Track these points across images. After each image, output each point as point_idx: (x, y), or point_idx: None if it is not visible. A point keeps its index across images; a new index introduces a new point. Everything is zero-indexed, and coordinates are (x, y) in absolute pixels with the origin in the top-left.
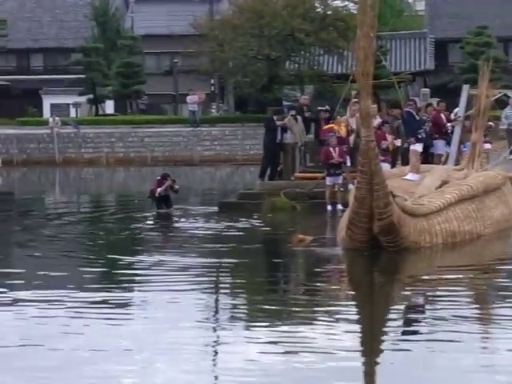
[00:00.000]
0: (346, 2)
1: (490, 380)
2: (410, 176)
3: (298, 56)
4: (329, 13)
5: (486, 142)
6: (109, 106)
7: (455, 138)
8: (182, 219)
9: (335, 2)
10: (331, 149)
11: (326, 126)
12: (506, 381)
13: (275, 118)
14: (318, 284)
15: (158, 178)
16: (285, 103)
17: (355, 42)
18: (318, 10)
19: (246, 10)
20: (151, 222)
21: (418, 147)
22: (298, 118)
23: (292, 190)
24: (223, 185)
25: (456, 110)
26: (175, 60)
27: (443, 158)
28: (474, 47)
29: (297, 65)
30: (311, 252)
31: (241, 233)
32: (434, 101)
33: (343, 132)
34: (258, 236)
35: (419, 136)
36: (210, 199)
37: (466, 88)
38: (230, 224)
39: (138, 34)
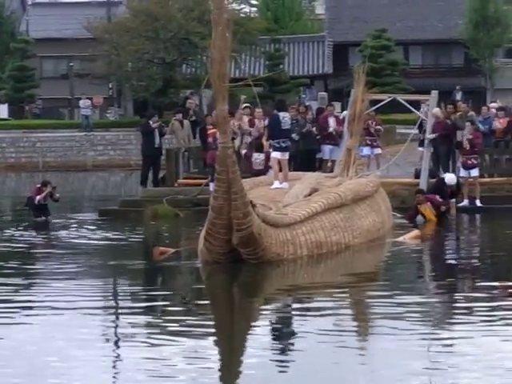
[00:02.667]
0: (243, 6)
1: None
2: (276, 184)
3: (194, 60)
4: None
5: (376, 146)
6: (3, 111)
7: (343, 144)
8: (60, 229)
9: (232, 5)
10: (217, 152)
11: (211, 131)
12: None
13: (151, 122)
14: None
15: (38, 185)
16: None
17: (211, 43)
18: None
19: (140, 12)
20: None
21: (277, 155)
22: (185, 122)
23: (175, 197)
24: (111, 191)
25: (344, 112)
26: (71, 63)
27: (329, 164)
28: (372, 50)
29: (193, 68)
30: (168, 266)
31: (105, 242)
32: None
33: None
34: (118, 248)
35: (278, 144)
36: (93, 206)
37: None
38: (103, 234)
39: (34, 38)
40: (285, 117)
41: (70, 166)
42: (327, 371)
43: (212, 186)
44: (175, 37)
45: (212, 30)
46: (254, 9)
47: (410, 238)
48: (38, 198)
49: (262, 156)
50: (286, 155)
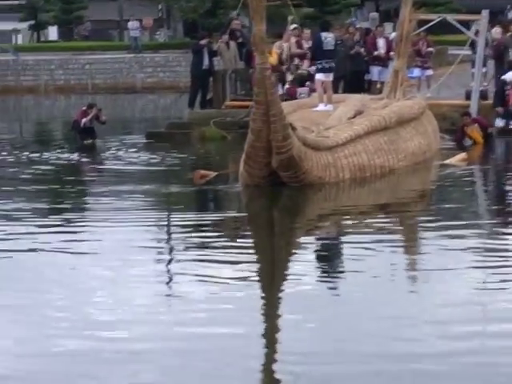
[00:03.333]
0: None
1: None
2: (320, 107)
3: None
4: None
5: (426, 67)
6: (52, 33)
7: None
8: (105, 151)
9: None
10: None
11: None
12: None
13: (202, 42)
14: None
15: (83, 108)
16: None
17: None
18: None
19: None
20: (71, 155)
21: (321, 76)
22: (231, 43)
23: (222, 119)
24: (160, 113)
25: (393, 34)
26: None
27: (378, 86)
28: None
29: None
30: (207, 189)
31: (147, 167)
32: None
33: (273, 59)
34: (159, 172)
35: (320, 66)
36: (141, 128)
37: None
38: (148, 157)
39: None
40: (327, 37)
41: (119, 88)
42: (376, 297)
43: None
44: None
45: None
46: None
47: (456, 160)
48: (83, 120)
49: (306, 90)
50: (330, 76)
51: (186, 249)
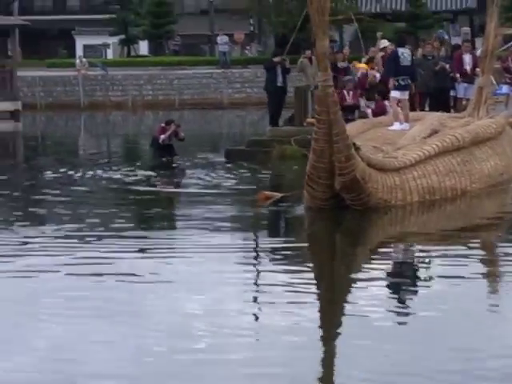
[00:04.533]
0: None
1: None
2: (395, 126)
3: None
4: None
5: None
6: (143, 47)
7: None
8: (183, 169)
9: None
10: (345, 92)
11: (360, 65)
12: None
13: (275, 59)
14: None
15: (162, 124)
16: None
17: None
18: None
19: None
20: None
21: (396, 94)
22: (314, 59)
23: (303, 137)
24: (244, 130)
25: (479, 50)
26: None
27: (464, 103)
28: None
29: (333, 4)
30: (270, 211)
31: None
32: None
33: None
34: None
35: (397, 83)
36: (222, 145)
37: None
38: (226, 175)
39: None
40: (404, 52)
41: (206, 104)
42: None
43: None
44: None
45: None
46: None
47: None
48: (162, 137)
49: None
50: (406, 94)
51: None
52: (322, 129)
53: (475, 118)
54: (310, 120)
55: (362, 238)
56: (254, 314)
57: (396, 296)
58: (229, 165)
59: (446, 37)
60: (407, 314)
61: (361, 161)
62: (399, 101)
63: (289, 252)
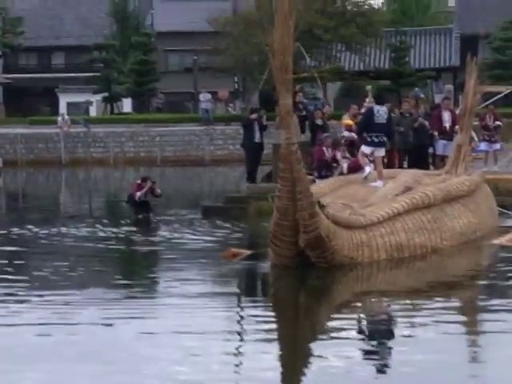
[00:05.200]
0: None
1: None
2: (376, 183)
3: (317, 52)
4: (348, 8)
5: (494, 141)
6: (126, 105)
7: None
8: (161, 226)
9: None
10: (324, 148)
11: (346, 122)
12: None
13: (252, 116)
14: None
15: (138, 181)
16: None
17: (273, 32)
18: (337, 5)
19: (262, 5)
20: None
21: (366, 149)
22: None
23: None
24: (224, 186)
25: (460, 107)
26: (195, 57)
27: (444, 160)
28: (499, 42)
29: (317, 61)
30: (236, 268)
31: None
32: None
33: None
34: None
35: (369, 139)
36: (198, 203)
37: None
38: (200, 232)
39: (160, 31)
40: (380, 110)
41: (188, 161)
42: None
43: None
44: (297, 29)
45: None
46: (381, 0)
47: (506, 240)
48: (138, 194)
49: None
50: (381, 152)
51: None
52: (286, 186)
53: (453, 175)
54: None
55: (326, 295)
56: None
57: (360, 354)
58: (204, 221)
59: (422, 95)
60: (372, 370)
61: (325, 218)
62: (367, 156)
63: (253, 310)
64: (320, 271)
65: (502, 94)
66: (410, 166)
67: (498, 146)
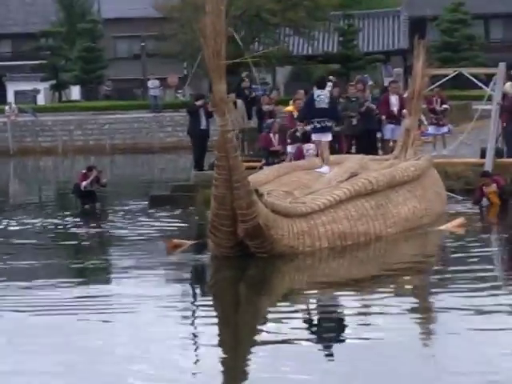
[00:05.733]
0: None
1: None
2: (321, 169)
3: (265, 37)
4: None
5: (442, 125)
6: (75, 93)
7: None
8: (104, 216)
9: None
10: (271, 135)
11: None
12: None
13: (197, 103)
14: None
15: (83, 170)
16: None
17: (204, 18)
18: None
19: None
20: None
21: (316, 137)
22: (239, 102)
23: None
24: (173, 174)
25: (408, 90)
26: (142, 43)
27: (391, 144)
28: (447, 24)
29: (265, 46)
30: (176, 259)
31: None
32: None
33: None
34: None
35: (312, 125)
36: (146, 191)
37: None
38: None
39: (107, 18)
40: (320, 95)
41: (138, 149)
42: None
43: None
44: (245, 14)
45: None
46: None
47: (453, 226)
48: (83, 183)
49: (312, 146)
50: (326, 137)
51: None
52: (222, 175)
53: (402, 159)
54: None
55: (266, 286)
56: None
57: (302, 346)
58: (151, 211)
59: (370, 82)
60: (315, 365)
61: (264, 207)
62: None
63: (190, 302)
64: (260, 261)
65: (449, 77)
66: (359, 152)
67: (445, 129)
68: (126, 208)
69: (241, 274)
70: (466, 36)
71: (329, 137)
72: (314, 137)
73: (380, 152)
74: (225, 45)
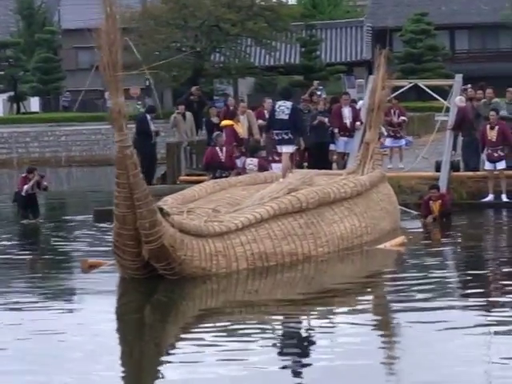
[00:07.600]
0: None
1: None
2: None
3: (225, 47)
4: (257, 1)
5: (399, 137)
6: (34, 104)
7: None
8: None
9: None
10: (218, 149)
11: (224, 123)
12: None
13: (148, 116)
14: None
15: (23, 174)
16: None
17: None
18: None
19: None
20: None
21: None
22: (188, 114)
23: None
24: None
25: (360, 102)
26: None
27: (345, 158)
28: (411, 35)
29: (224, 57)
30: (85, 280)
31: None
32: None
33: (241, 130)
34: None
35: (272, 136)
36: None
37: None
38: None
39: (67, 28)
40: (281, 105)
41: (94, 161)
42: None
43: None
44: (204, 24)
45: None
46: None
47: (392, 245)
48: (25, 187)
49: (254, 161)
50: (285, 148)
51: None
52: (122, 193)
53: (359, 174)
54: (183, 177)
55: (173, 312)
56: None
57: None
58: (94, 226)
59: (319, 92)
60: None
61: (170, 227)
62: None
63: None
64: (169, 284)
65: (404, 89)
66: (310, 166)
67: (403, 141)
68: (66, 224)
69: (147, 299)
70: (430, 47)
71: (289, 148)
72: (277, 148)
73: (334, 166)
74: (121, 55)
